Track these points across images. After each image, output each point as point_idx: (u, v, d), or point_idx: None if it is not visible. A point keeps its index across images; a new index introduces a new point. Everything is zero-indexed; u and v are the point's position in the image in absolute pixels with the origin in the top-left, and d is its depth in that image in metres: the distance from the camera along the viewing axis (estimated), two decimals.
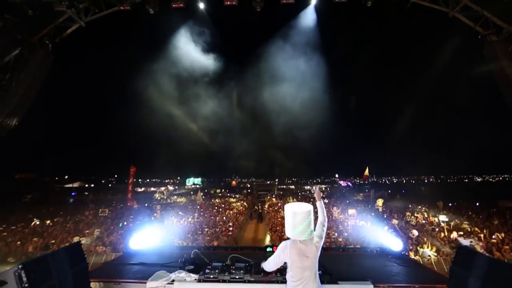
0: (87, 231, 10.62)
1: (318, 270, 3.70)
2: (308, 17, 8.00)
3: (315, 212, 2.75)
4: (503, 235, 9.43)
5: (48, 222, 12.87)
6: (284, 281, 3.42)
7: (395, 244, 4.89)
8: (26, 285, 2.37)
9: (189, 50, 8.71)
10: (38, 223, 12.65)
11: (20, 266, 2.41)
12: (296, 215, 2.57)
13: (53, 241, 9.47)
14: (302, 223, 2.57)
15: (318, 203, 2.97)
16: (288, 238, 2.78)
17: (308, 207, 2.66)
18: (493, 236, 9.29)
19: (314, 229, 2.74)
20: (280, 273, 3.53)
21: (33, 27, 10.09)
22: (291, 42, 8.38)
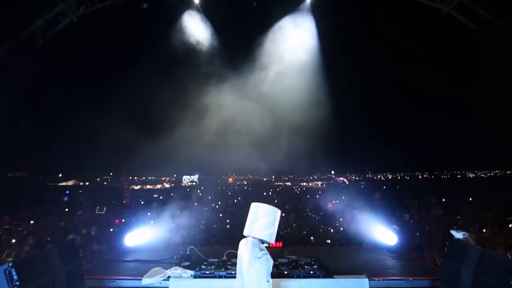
0: (83, 229, 10.54)
1: (314, 265, 3.73)
2: (305, 12, 7.95)
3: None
4: (495, 228, 9.63)
5: (42, 220, 12.71)
6: (280, 276, 3.44)
7: (389, 238, 4.95)
8: (17, 283, 2.32)
9: (184, 44, 8.57)
10: (32, 222, 12.49)
11: (10, 264, 2.36)
12: (260, 208, 2.33)
13: (48, 239, 9.36)
14: (261, 217, 2.27)
15: None
16: None
17: (277, 209, 2.38)
18: (484, 230, 9.50)
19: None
20: (276, 268, 3.54)
21: (23, 21, 9.82)
22: (287, 37, 8.30)
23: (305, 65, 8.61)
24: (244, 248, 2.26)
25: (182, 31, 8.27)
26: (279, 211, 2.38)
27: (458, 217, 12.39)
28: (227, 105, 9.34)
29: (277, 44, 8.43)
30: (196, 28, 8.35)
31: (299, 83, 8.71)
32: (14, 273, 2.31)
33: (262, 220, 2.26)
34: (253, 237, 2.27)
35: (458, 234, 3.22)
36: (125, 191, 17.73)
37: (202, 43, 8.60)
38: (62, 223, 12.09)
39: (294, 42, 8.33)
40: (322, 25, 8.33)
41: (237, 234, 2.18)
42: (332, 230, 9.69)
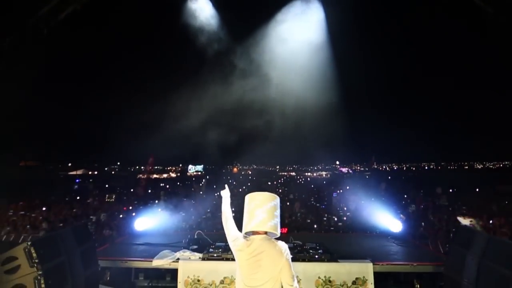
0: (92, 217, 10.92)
1: (319, 249, 3.78)
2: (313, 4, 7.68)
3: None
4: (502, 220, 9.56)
5: (54, 207, 13.20)
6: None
7: (394, 225, 4.98)
8: (36, 260, 2.45)
9: (190, 33, 8.42)
10: (44, 208, 13.00)
11: (29, 243, 2.49)
12: (257, 197, 2.03)
13: (60, 225, 9.74)
14: (261, 207, 1.95)
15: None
16: None
17: (275, 195, 2.09)
18: (491, 221, 9.44)
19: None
20: None
21: (26, 11, 9.77)
22: (293, 25, 8.05)
23: (313, 52, 8.39)
24: (260, 249, 1.88)
25: (188, 14, 8.12)
26: (277, 197, 2.08)
27: (464, 207, 12.32)
28: (231, 92, 9.24)
29: (284, 28, 8.18)
30: (201, 12, 8.19)
31: (306, 70, 8.53)
32: (33, 251, 2.44)
33: (262, 210, 1.95)
34: (256, 233, 1.96)
35: (465, 221, 3.22)
36: (142, 180, 18.15)
37: (207, 27, 8.43)
38: (74, 210, 12.49)
39: (302, 26, 8.07)
40: (332, 8, 8.02)
41: (241, 221, 2.16)
42: (336, 219, 9.78)
